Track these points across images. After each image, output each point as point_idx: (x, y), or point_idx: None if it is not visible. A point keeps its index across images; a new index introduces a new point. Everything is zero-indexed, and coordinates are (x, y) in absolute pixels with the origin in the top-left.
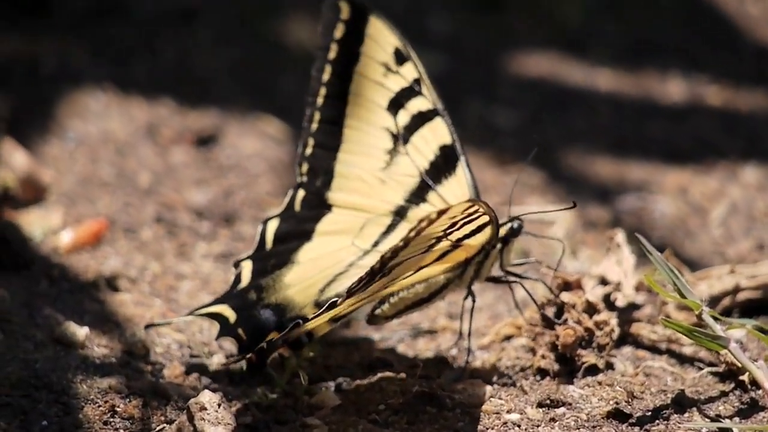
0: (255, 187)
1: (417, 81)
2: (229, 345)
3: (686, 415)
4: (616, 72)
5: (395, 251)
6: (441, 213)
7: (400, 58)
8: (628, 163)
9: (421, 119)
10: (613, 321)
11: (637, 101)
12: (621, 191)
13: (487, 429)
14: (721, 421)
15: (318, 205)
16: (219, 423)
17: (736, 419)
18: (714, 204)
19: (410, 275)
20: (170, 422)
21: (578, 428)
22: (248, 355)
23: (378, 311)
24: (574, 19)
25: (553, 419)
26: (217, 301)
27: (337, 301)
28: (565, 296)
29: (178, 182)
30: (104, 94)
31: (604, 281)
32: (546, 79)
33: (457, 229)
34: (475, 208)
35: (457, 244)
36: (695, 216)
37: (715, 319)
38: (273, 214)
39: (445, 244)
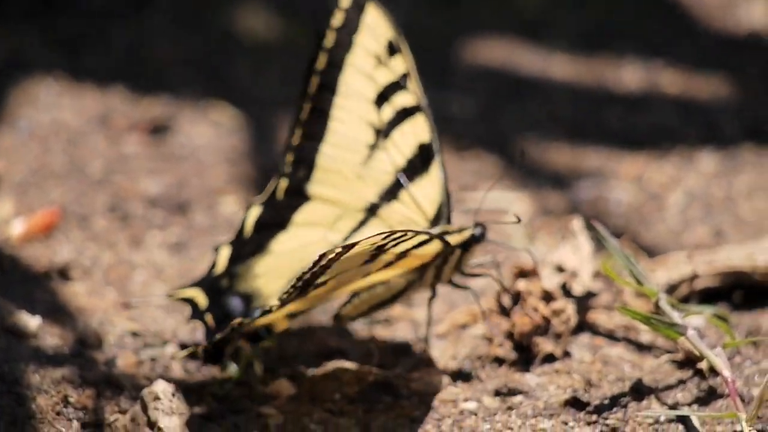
0: (208, 176)
1: (404, 76)
2: (184, 334)
3: (644, 402)
4: (572, 59)
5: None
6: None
7: (392, 50)
8: (584, 151)
9: (403, 115)
10: (570, 309)
11: (594, 88)
12: (577, 178)
13: (444, 417)
14: (679, 409)
15: (298, 196)
16: (173, 413)
17: (695, 407)
18: (670, 191)
19: (360, 281)
20: (124, 412)
21: (535, 416)
22: (202, 347)
23: (342, 312)
24: (531, 6)
25: (510, 407)
26: (192, 285)
27: (271, 308)
28: (522, 284)
29: (131, 171)
30: (56, 83)
31: (560, 269)
32: (502, 66)
33: (392, 246)
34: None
35: (403, 255)
36: (652, 203)
37: (673, 306)
38: (257, 200)
39: (387, 257)
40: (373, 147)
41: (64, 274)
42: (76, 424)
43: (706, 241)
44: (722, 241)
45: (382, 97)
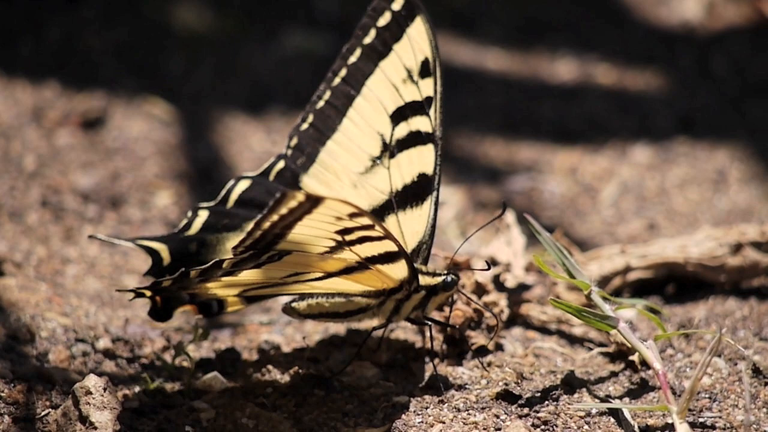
0: (142, 169)
1: (429, 99)
2: (116, 329)
3: (576, 395)
4: (506, 51)
5: (268, 228)
6: (311, 200)
7: (425, 70)
8: (518, 143)
9: (415, 139)
10: (503, 302)
11: (528, 81)
12: (511, 171)
13: (376, 411)
14: (610, 401)
15: (290, 184)
16: (105, 407)
17: (626, 399)
18: (604, 184)
19: (316, 278)
20: (55, 407)
21: (467, 410)
22: (150, 290)
23: (294, 305)
24: None
25: (442, 401)
26: (161, 238)
27: (223, 261)
28: None
29: (64, 165)
30: None
31: (493, 262)
32: None
33: (355, 241)
34: (364, 219)
35: (365, 265)
36: (586, 196)
37: (605, 299)
38: (249, 174)
39: (350, 257)
40: (377, 160)
41: None
42: (7, 419)
43: (640, 233)
44: (656, 233)
45: (401, 114)
